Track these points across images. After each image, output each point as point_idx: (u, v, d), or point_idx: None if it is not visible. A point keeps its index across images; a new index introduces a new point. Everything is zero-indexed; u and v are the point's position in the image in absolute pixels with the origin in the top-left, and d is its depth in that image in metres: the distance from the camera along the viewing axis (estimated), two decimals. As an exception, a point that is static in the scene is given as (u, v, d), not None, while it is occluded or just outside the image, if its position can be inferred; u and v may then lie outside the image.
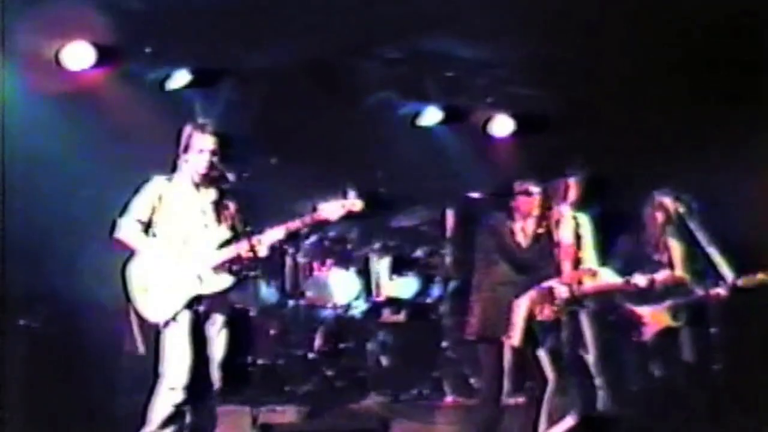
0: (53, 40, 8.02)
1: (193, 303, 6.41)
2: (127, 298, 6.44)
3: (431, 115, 10.02)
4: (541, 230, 7.07)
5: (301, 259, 9.18)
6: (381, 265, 9.63)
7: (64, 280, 7.75)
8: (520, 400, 7.60)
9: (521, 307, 6.89)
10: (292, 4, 7.75)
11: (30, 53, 7.93)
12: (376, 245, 9.56)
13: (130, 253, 6.44)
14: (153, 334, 6.53)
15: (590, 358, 7.38)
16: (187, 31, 8.23)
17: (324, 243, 9.35)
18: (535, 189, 7.06)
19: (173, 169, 6.57)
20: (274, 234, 6.52)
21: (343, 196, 6.65)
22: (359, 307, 9.34)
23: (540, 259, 7.06)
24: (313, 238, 9.25)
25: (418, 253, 9.62)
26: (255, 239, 6.41)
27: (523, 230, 7.11)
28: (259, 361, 8.59)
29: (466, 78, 9.65)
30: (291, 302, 9.08)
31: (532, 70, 9.30)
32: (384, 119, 9.78)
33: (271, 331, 8.93)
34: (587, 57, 8.69)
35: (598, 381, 7.35)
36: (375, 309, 9.42)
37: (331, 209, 6.62)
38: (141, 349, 7.00)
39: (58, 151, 7.91)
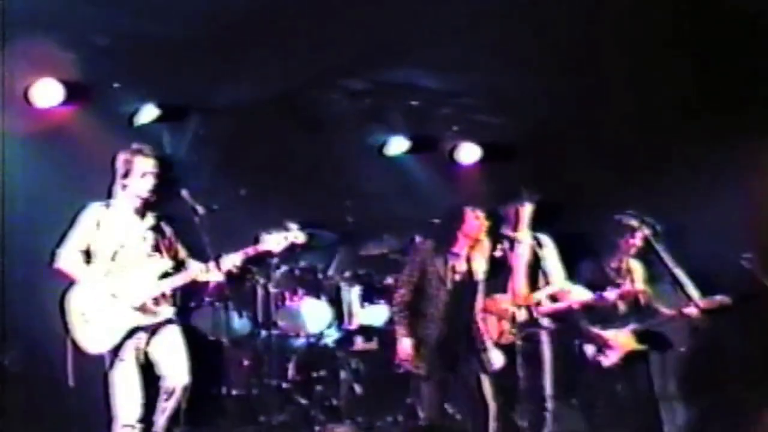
0: (22, 79, 8.03)
1: (133, 334, 6.31)
2: (66, 329, 6.32)
3: (398, 144, 10.11)
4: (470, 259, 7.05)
5: (272, 290, 9.18)
6: (352, 294, 9.67)
7: (33, 316, 7.72)
8: None
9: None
10: (258, 39, 7.84)
11: (-1, 92, 7.97)
12: (347, 274, 9.59)
13: (69, 283, 6.35)
14: (92, 366, 6.43)
15: (546, 380, 7.40)
16: (155, 66, 8.29)
17: (295, 273, 9.38)
18: (482, 214, 7.08)
19: (108, 196, 6.51)
20: (231, 260, 6.48)
21: (285, 229, 6.63)
22: (332, 336, 9.32)
23: (464, 299, 7.04)
24: (283, 268, 9.28)
25: (389, 280, 9.64)
26: (210, 265, 6.38)
27: (453, 268, 7.07)
28: (233, 392, 8.59)
29: (431, 107, 9.78)
30: (263, 332, 9.04)
31: (497, 99, 9.41)
32: (351, 149, 9.87)
33: (245, 362, 8.92)
34: (550, 84, 8.82)
35: (549, 405, 7.37)
36: (347, 337, 9.40)
37: (274, 241, 6.59)
38: (71, 380, 6.89)
39: (29, 188, 7.93)
